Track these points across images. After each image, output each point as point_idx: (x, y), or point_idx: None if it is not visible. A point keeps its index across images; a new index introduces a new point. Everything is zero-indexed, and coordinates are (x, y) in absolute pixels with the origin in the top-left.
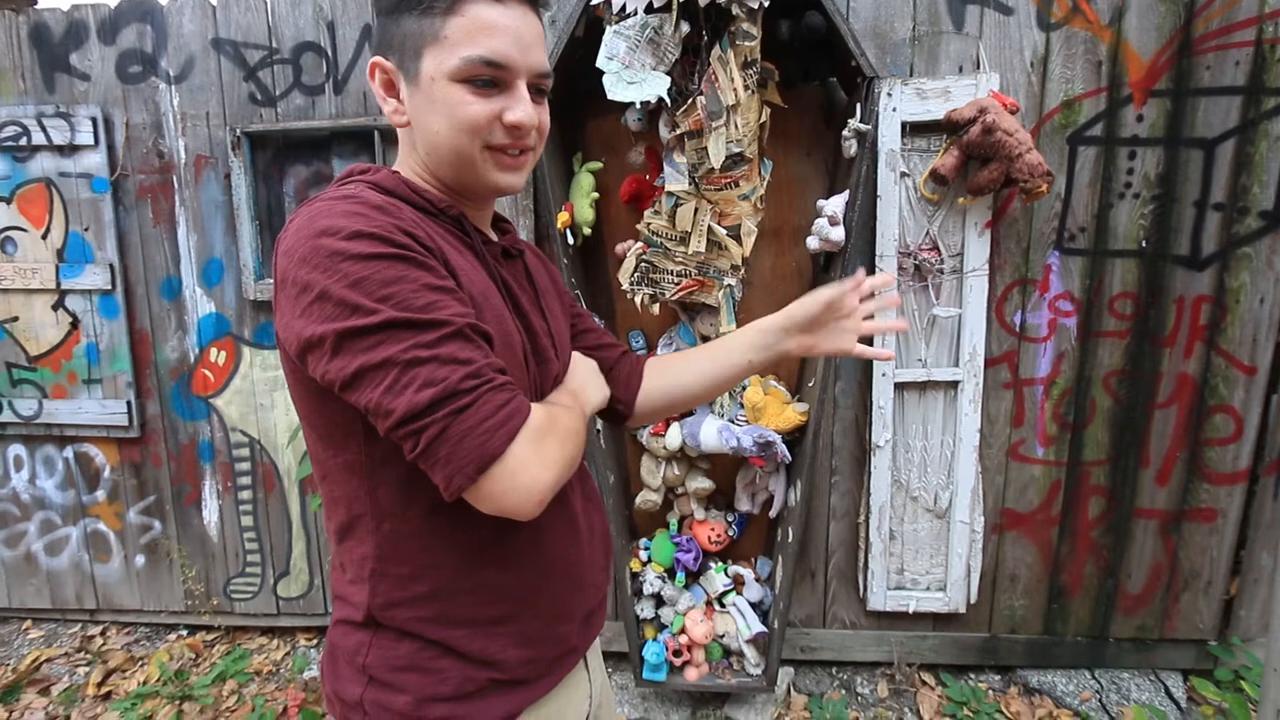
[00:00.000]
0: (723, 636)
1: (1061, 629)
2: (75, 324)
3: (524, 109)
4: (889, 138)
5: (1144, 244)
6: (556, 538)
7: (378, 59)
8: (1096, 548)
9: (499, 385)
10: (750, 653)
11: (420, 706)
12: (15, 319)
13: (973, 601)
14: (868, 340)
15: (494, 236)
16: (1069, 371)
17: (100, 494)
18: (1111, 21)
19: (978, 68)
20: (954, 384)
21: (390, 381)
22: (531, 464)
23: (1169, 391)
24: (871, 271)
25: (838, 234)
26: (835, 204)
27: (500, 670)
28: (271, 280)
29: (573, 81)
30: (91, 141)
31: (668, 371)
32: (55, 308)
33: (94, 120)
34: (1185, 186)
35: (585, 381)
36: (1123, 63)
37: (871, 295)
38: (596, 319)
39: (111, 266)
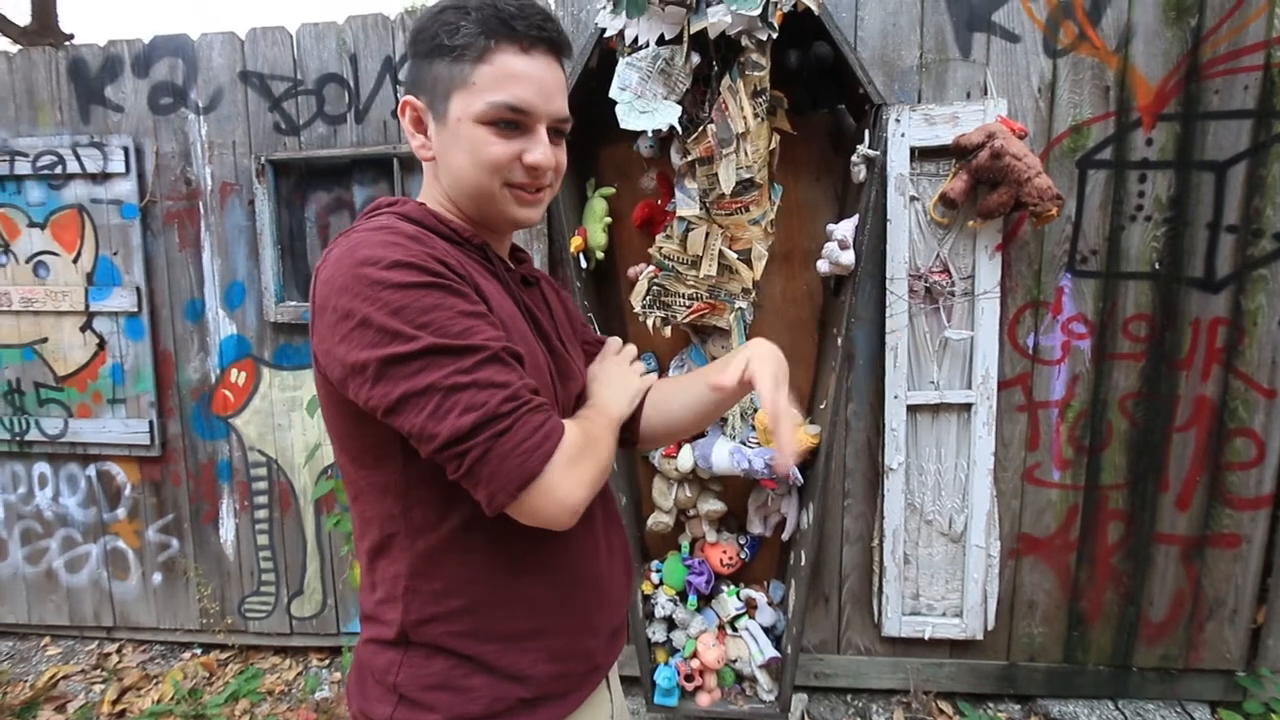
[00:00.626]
0: (735, 661)
1: (1082, 657)
2: (102, 345)
3: (542, 151)
4: (898, 163)
5: (1157, 266)
6: (584, 552)
7: (409, 98)
8: (1116, 574)
9: (535, 407)
10: (763, 678)
11: None
12: (45, 340)
13: (990, 628)
14: None
15: (511, 265)
16: (1084, 394)
17: (121, 512)
18: (1118, 47)
19: (985, 94)
20: (967, 406)
21: (433, 407)
22: (566, 480)
23: (1187, 415)
24: (883, 294)
25: (848, 258)
26: (845, 228)
27: (529, 686)
28: (291, 303)
29: (586, 110)
30: (123, 169)
31: (663, 400)
32: (83, 329)
33: (126, 149)
34: (1198, 209)
35: (610, 392)
36: (1130, 87)
37: None
38: None
39: (138, 289)
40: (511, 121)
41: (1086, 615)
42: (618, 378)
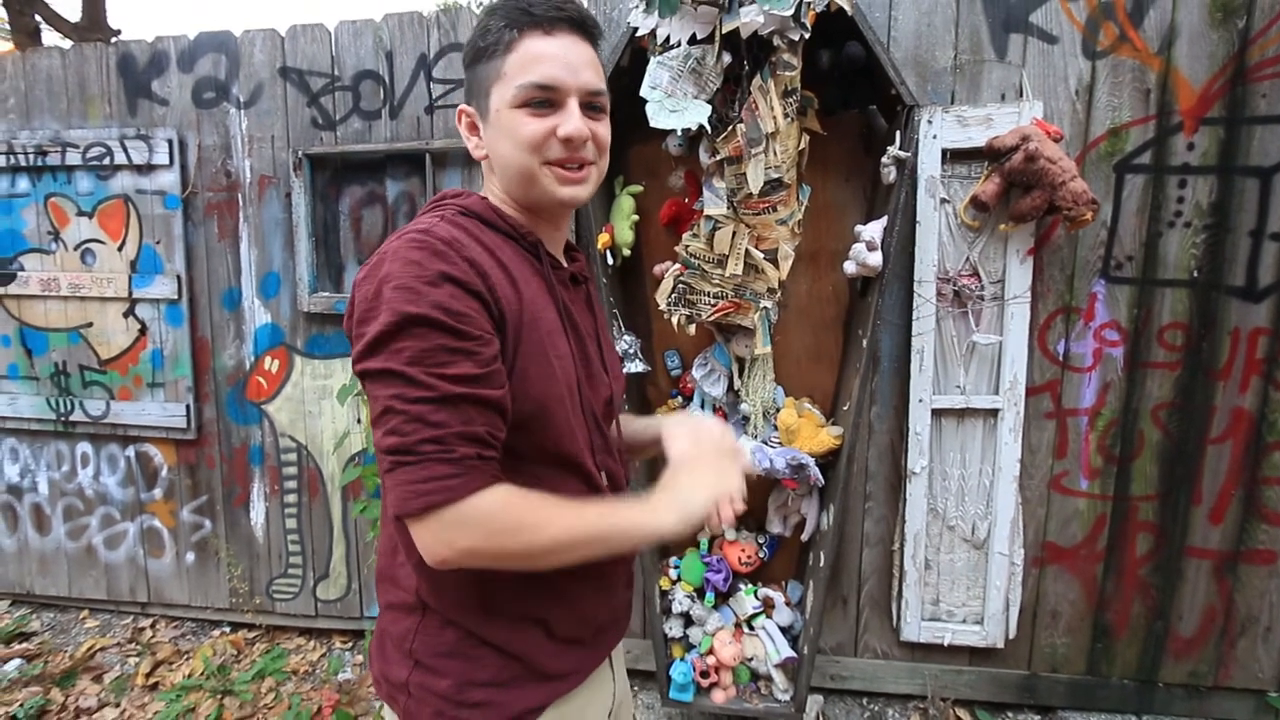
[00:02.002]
0: (751, 660)
1: (1106, 670)
2: (143, 330)
3: (575, 123)
4: (929, 164)
5: (1195, 274)
6: None
7: (463, 107)
8: (1144, 586)
9: (453, 459)
10: (779, 678)
11: (461, 690)
12: (90, 324)
13: (1011, 637)
14: None
15: (564, 262)
16: (1115, 402)
17: (157, 492)
18: (1161, 49)
19: (1020, 96)
20: (994, 412)
21: (375, 414)
22: (436, 537)
23: (1223, 426)
24: (910, 297)
25: (875, 259)
26: (873, 229)
27: (531, 663)
28: (324, 294)
29: (616, 108)
30: (167, 161)
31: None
32: (126, 315)
33: (170, 142)
34: (1240, 216)
35: (666, 500)
36: (1172, 90)
37: None
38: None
39: (179, 277)
40: (542, 100)
41: (1112, 627)
42: (687, 488)
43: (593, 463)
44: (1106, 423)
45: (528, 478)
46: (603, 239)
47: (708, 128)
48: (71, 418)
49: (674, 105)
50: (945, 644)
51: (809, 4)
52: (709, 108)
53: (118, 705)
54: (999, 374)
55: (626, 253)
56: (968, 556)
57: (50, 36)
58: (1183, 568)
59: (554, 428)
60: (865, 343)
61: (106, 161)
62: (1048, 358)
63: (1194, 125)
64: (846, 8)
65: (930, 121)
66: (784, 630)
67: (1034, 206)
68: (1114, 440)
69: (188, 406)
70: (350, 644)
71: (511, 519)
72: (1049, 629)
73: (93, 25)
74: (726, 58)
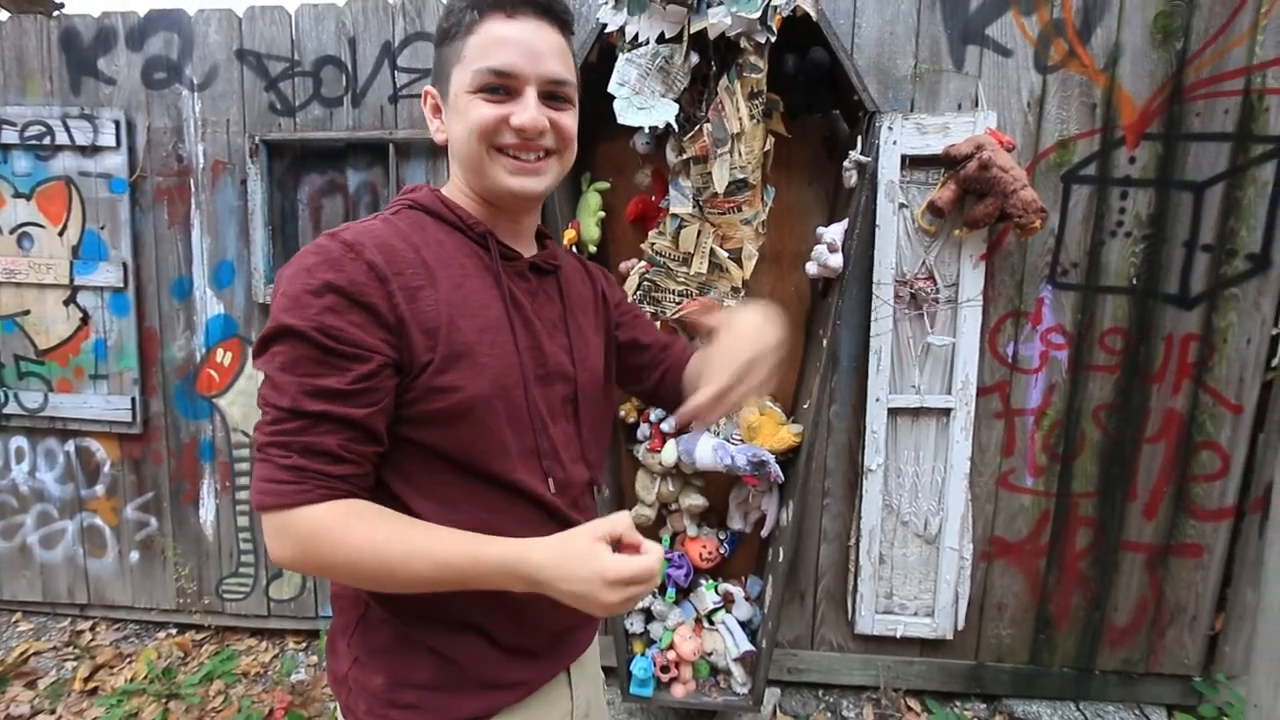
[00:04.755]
0: (711, 654)
1: (1048, 659)
2: (85, 320)
3: (529, 114)
4: (889, 170)
5: (1134, 281)
6: None
7: (428, 88)
8: (1084, 579)
9: (289, 466)
10: (738, 671)
11: (392, 689)
12: (27, 312)
13: (960, 628)
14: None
15: (526, 252)
16: (1059, 403)
17: (99, 489)
18: (1106, 66)
19: (976, 106)
20: (946, 411)
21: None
22: (270, 538)
23: (1157, 427)
24: (869, 298)
25: (836, 261)
26: (835, 231)
27: (470, 670)
28: None
29: (584, 104)
30: (113, 143)
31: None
32: (67, 303)
33: (117, 123)
34: (1175, 227)
35: (522, 550)
36: (1116, 106)
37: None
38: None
39: (125, 265)
40: (498, 86)
41: (1053, 618)
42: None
43: (538, 469)
44: (1051, 423)
45: (446, 486)
46: (569, 235)
47: (675, 126)
48: (5, 410)
49: (641, 103)
50: (898, 636)
51: (775, 8)
52: (676, 106)
53: (53, 712)
54: (952, 374)
55: (592, 249)
56: (920, 551)
57: None
58: (1118, 561)
59: (483, 433)
60: (825, 343)
61: (47, 141)
62: (997, 359)
63: (1135, 140)
64: (812, 13)
65: (891, 128)
66: (743, 625)
67: (987, 213)
68: (1058, 439)
69: (133, 399)
70: (304, 644)
71: (329, 541)
72: (995, 621)
73: None
74: (694, 57)
